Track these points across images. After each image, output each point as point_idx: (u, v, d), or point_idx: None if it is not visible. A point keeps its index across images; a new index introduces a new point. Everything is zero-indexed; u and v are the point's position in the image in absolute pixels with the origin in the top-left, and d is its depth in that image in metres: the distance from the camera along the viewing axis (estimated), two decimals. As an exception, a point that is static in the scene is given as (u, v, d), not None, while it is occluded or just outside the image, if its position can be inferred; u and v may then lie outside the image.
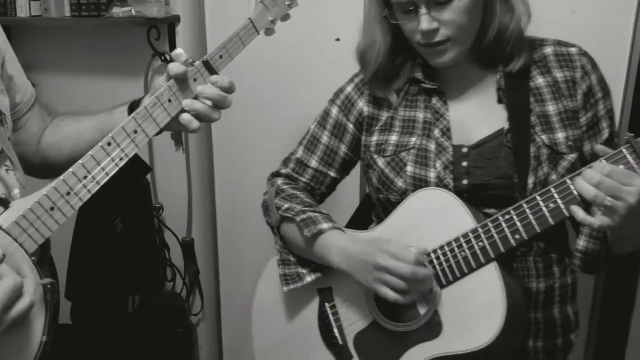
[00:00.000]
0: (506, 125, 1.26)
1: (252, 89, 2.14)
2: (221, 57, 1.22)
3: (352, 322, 1.36)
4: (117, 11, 2.23)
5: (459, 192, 1.26)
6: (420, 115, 1.34)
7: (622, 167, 1.10)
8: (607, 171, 1.08)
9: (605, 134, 1.28)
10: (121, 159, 1.13)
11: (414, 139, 1.33)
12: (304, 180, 1.46)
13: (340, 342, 1.37)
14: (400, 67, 1.35)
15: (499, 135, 1.26)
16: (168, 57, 2.29)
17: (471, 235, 1.21)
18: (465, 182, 1.28)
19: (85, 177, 1.10)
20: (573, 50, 1.29)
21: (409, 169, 1.31)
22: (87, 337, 2.29)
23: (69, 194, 1.08)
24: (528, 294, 1.28)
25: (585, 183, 1.10)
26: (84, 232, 2.28)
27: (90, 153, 1.10)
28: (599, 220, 1.09)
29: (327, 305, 1.40)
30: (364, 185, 1.95)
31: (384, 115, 1.38)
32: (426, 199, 1.28)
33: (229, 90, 1.20)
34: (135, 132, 1.14)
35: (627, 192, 1.06)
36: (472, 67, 1.31)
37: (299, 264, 1.42)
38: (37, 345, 1.03)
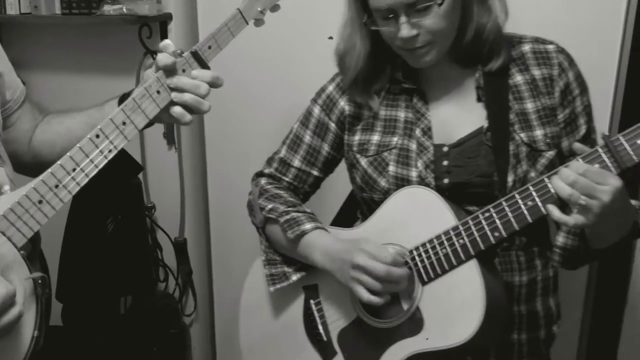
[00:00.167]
0: (485, 124, 1.32)
1: (246, 89, 2.18)
2: (210, 47, 1.24)
3: (336, 318, 1.43)
4: (108, 9, 2.25)
5: (440, 190, 1.32)
6: (402, 114, 1.39)
7: (597, 166, 1.15)
8: (582, 170, 1.13)
9: (582, 130, 1.34)
10: (110, 151, 1.15)
11: (395, 139, 1.38)
12: (287, 179, 1.52)
13: (325, 339, 1.44)
14: (380, 70, 1.40)
15: (479, 134, 1.32)
16: (160, 55, 2.33)
17: (452, 233, 1.28)
18: (446, 180, 1.34)
19: (74, 170, 1.12)
20: (550, 47, 1.34)
21: (391, 168, 1.37)
22: (78, 339, 2.32)
23: (57, 186, 1.11)
24: (508, 289, 1.34)
25: (561, 182, 1.15)
26: (74, 233, 2.30)
27: (78, 145, 1.13)
28: (573, 218, 1.15)
29: (312, 302, 1.46)
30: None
31: (366, 114, 1.43)
32: (409, 197, 1.34)
33: (214, 85, 1.23)
34: (124, 123, 1.17)
35: (601, 191, 1.11)
36: (452, 67, 1.36)
37: (284, 262, 1.48)
38: (28, 341, 1.07)
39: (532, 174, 1.30)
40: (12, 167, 1.27)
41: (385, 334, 1.35)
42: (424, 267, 1.30)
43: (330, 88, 1.49)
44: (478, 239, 1.25)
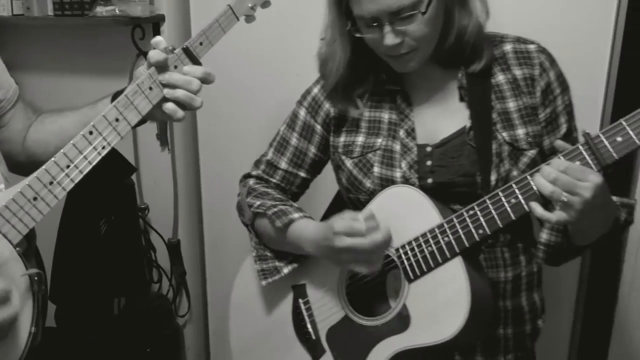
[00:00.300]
0: (468, 124, 1.37)
1: (238, 88, 2.21)
2: (201, 43, 1.28)
3: (324, 317, 1.48)
4: (101, 10, 2.28)
5: (424, 190, 1.36)
6: (385, 115, 1.44)
7: (578, 163, 1.20)
8: (563, 167, 1.18)
9: (563, 128, 1.39)
10: (103, 147, 1.19)
11: (379, 140, 1.43)
12: (274, 181, 1.57)
13: (313, 337, 1.49)
14: (361, 76, 1.43)
15: (461, 134, 1.37)
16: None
17: (437, 231, 1.32)
18: (429, 180, 1.39)
19: (68, 166, 1.15)
20: (531, 47, 1.39)
21: (376, 169, 1.42)
22: (72, 340, 2.35)
23: (51, 183, 1.14)
24: (493, 285, 1.39)
25: (543, 179, 1.20)
26: (67, 234, 2.33)
27: (71, 142, 1.16)
28: (556, 215, 1.20)
29: (300, 301, 1.51)
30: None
31: (350, 116, 1.47)
32: (394, 196, 1.38)
33: (205, 80, 1.26)
34: (117, 120, 1.20)
35: (582, 187, 1.16)
36: (435, 68, 1.41)
37: (275, 257, 1.53)
38: (25, 337, 1.10)
39: (515, 173, 1.34)
40: (7, 166, 1.30)
41: (373, 332, 1.39)
42: (410, 264, 1.35)
43: (316, 90, 1.53)
44: (463, 236, 1.30)
